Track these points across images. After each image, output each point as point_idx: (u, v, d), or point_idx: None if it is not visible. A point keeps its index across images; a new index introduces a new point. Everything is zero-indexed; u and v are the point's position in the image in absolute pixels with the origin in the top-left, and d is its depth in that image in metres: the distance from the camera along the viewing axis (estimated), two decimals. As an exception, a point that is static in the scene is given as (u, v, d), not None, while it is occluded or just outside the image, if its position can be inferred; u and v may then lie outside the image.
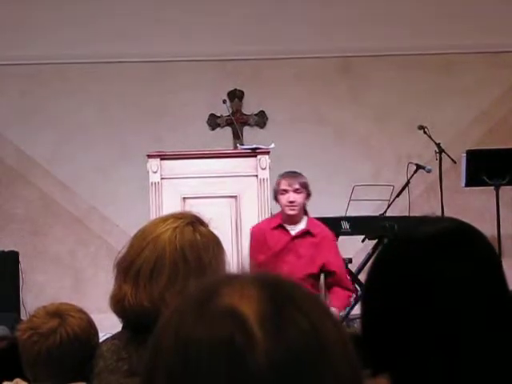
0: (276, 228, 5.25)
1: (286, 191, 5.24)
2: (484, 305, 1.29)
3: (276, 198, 5.34)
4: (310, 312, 0.89)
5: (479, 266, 1.31)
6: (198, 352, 0.85)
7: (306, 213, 5.33)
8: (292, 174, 5.40)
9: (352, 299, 6.47)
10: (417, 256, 1.32)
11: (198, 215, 2.03)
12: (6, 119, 8.42)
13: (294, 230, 5.26)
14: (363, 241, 7.22)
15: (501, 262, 1.36)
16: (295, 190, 5.22)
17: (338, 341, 0.89)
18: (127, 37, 8.32)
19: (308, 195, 5.30)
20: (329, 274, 5.28)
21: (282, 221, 5.26)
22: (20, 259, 8.07)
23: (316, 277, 5.24)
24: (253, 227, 5.37)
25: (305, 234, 5.25)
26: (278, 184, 5.31)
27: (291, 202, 5.21)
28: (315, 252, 5.18)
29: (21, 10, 8.33)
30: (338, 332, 0.90)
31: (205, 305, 0.88)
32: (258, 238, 5.26)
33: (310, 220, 5.32)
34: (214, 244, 1.96)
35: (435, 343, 1.27)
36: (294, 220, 5.25)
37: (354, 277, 6.88)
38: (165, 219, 1.99)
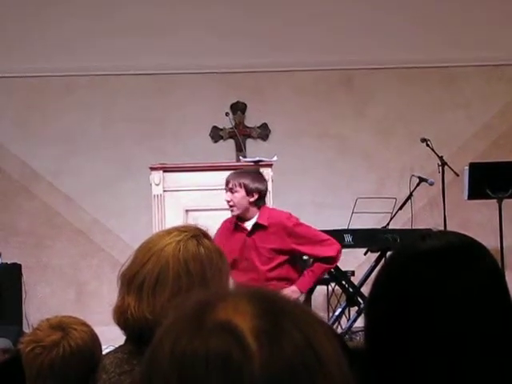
0: (236, 227, 5.20)
1: (225, 190, 5.20)
2: (487, 318, 1.29)
3: None
4: (304, 326, 0.90)
5: (483, 280, 1.32)
6: (193, 366, 0.86)
7: (258, 207, 5.20)
8: (232, 174, 5.33)
9: (355, 313, 6.46)
10: (421, 270, 1.32)
11: (202, 228, 2.03)
12: (11, 132, 8.44)
13: (249, 226, 5.19)
14: (366, 253, 7.22)
15: (504, 276, 1.36)
16: (229, 190, 5.15)
17: (332, 353, 0.90)
18: (131, 50, 8.35)
19: (249, 193, 5.13)
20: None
21: (236, 220, 5.20)
22: (23, 272, 8.07)
23: (281, 266, 5.17)
24: (222, 225, 5.27)
25: (256, 227, 5.17)
26: None
27: (227, 201, 5.15)
28: (276, 243, 5.12)
29: (27, 23, 8.37)
30: (331, 344, 0.90)
31: (200, 319, 0.89)
32: (221, 233, 5.21)
33: (261, 212, 5.19)
34: (218, 257, 1.96)
35: (439, 357, 1.27)
36: (245, 218, 5.18)
37: (356, 290, 6.88)
38: (169, 232, 2.00)
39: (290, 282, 5.19)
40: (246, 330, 0.87)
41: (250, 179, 5.20)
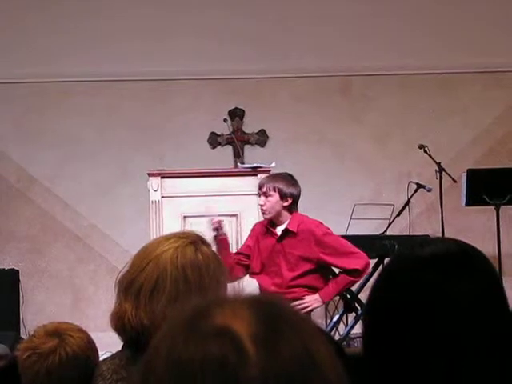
0: (266, 230, 5.20)
1: (259, 195, 5.20)
2: (485, 325, 1.29)
3: None
4: (301, 331, 0.90)
5: (480, 286, 1.32)
6: (189, 371, 0.86)
7: (291, 212, 5.20)
8: (267, 177, 5.36)
9: (353, 317, 6.45)
10: (419, 277, 1.32)
11: (200, 235, 2.03)
12: (9, 137, 8.43)
13: (279, 231, 5.19)
14: (364, 260, 7.21)
15: (502, 283, 1.36)
16: (263, 194, 5.14)
17: (329, 359, 0.90)
18: (129, 56, 8.36)
19: (283, 197, 5.14)
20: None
21: (268, 224, 5.20)
22: (20, 277, 8.06)
23: (308, 274, 5.16)
24: (256, 225, 5.32)
25: (286, 233, 5.16)
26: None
27: (260, 205, 5.15)
28: (304, 250, 5.12)
29: (26, 28, 8.37)
30: (328, 351, 0.91)
31: (196, 325, 0.89)
32: (253, 235, 5.25)
33: (292, 218, 5.18)
34: (216, 264, 1.96)
35: (438, 364, 1.27)
36: (277, 223, 5.18)
37: (354, 296, 6.87)
38: (167, 238, 2.00)
39: (315, 291, 5.16)
40: (243, 334, 0.86)
41: (284, 183, 5.18)
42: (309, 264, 5.11)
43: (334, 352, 0.91)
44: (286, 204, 5.14)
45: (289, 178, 5.26)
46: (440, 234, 7.16)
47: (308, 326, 0.92)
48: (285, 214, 5.16)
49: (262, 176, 5.93)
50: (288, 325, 0.89)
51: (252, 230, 5.29)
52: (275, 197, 5.13)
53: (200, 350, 0.86)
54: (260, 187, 5.18)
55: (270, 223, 5.20)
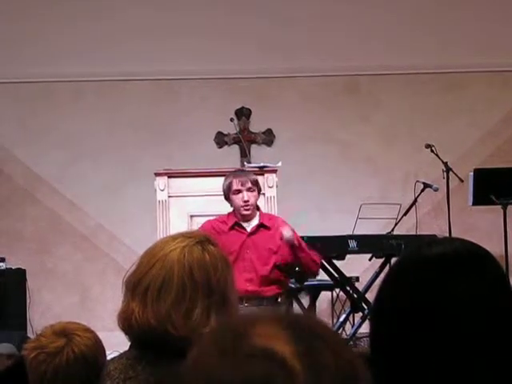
0: (232, 227, 5.18)
1: (239, 191, 5.11)
2: (493, 325, 1.29)
3: (228, 199, 5.18)
4: (335, 343, 0.91)
5: (488, 286, 1.31)
6: None
7: (258, 208, 5.22)
8: (243, 173, 5.31)
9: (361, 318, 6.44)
10: (427, 277, 1.32)
11: (207, 235, 2.03)
12: (16, 137, 8.45)
13: (249, 226, 5.18)
14: (370, 259, 7.21)
15: (509, 283, 1.36)
16: (248, 189, 5.10)
17: (362, 367, 0.92)
18: (136, 56, 8.37)
19: (259, 192, 5.18)
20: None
21: (237, 219, 5.17)
22: (27, 277, 8.08)
23: (281, 267, 5.16)
24: (204, 225, 5.23)
25: (259, 227, 5.16)
26: (230, 184, 5.14)
27: (246, 201, 5.08)
28: (274, 243, 5.13)
29: (33, 28, 8.38)
30: (358, 359, 0.93)
31: (237, 348, 0.88)
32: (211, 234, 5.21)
33: (261, 214, 5.22)
34: (223, 264, 1.96)
35: (445, 363, 1.27)
36: (249, 218, 5.17)
37: (361, 295, 6.87)
38: (174, 238, 1.99)
39: (282, 285, 5.19)
40: (286, 353, 0.87)
41: (257, 179, 5.22)
42: (275, 256, 5.13)
43: (359, 358, 0.93)
44: (258, 199, 5.20)
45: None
46: (447, 234, 7.15)
47: (339, 338, 0.94)
48: (255, 209, 5.20)
49: (268, 176, 5.93)
50: (323, 340, 0.91)
51: (205, 230, 5.19)
52: (256, 192, 5.15)
53: (243, 372, 0.86)
54: (243, 183, 5.12)
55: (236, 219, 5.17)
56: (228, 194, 5.16)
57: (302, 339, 0.89)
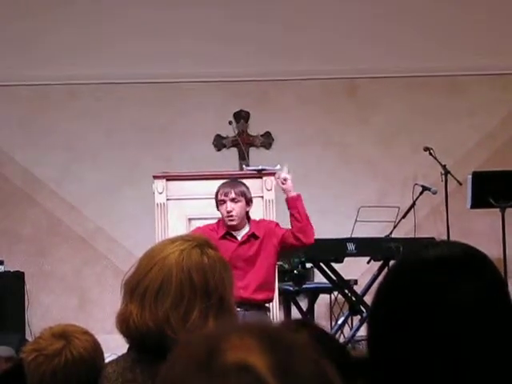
0: (223, 237, 5.18)
1: (223, 201, 5.14)
2: (490, 327, 1.29)
3: (217, 208, 5.22)
4: (307, 352, 0.91)
5: (485, 289, 1.32)
6: None
7: (248, 218, 5.22)
8: (229, 183, 5.29)
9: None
10: (425, 279, 1.32)
11: (206, 238, 2.03)
12: (15, 139, 8.45)
13: (240, 235, 5.18)
14: (369, 262, 7.22)
15: (507, 286, 1.36)
16: (232, 200, 5.11)
17: (334, 372, 0.92)
18: (134, 59, 8.37)
19: (248, 202, 5.17)
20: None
21: (227, 228, 5.19)
22: (26, 279, 8.07)
23: (266, 271, 5.17)
24: (194, 232, 5.18)
25: (250, 237, 5.16)
26: (216, 194, 5.20)
27: (229, 211, 5.10)
28: (264, 251, 5.13)
29: (31, 30, 8.39)
30: (330, 365, 0.93)
31: (212, 362, 0.88)
32: None
33: (252, 222, 5.21)
34: (222, 267, 1.96)
35: (443, 366, 1.27)
36: (237, 227, 5.17)
37: (359, 298, 6.87)
38: (173, 241, 2.00)
39: (274, 290, 5.21)
40: (261, 367, 0.87)
41: (247, 189, 5.23)
42: (270, 259, 5.13)
43: (333, 366, 0.93)
44: (248, 209, 5.18)
45: (245, 184, 5.30)
46: (445, 237, 7.16)
47: (311, 347, 0.93)
48: (245, 219, 5.19)
49: (266, 179, 5.93)
50: (296, 349, 0.90)
51: None
52: (242, 202, 5.14)
53: None
54: (226, 194, 5.13)
55: (229, 228, 5.17)
56: (216, 203, 5.21)
57: (276, 351, 0.89)
